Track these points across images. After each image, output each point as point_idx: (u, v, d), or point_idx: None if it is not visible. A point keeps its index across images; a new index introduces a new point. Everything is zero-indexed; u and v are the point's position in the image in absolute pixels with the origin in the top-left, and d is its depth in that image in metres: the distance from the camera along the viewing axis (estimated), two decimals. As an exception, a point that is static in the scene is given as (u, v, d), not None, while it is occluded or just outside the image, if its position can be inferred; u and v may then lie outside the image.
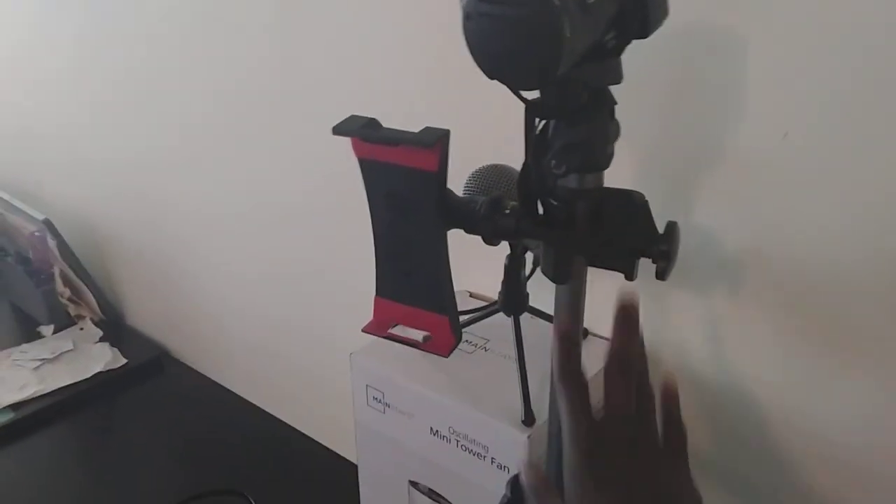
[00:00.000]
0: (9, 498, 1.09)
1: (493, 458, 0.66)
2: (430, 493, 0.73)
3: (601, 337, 0.73)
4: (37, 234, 1.45)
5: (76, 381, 1.33)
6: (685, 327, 0.70)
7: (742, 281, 0.65)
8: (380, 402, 0.74)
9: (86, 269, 1.49)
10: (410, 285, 0.55)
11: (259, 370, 1.26)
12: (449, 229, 0.53)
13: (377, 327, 0.57)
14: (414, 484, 0.75)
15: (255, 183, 1.10)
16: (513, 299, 0.67)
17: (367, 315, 0.84)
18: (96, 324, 1.49)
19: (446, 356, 0.53)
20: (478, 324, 0.74)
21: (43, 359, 1.39)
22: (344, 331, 1.05)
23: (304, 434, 1.20)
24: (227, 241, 1.20)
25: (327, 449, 1.17)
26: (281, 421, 1.24)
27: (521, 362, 0.66)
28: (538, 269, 0.58)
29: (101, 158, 1.40)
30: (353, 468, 1.09)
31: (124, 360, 1.39)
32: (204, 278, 1.30)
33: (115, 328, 1.50)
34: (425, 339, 0.56)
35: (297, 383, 1.19)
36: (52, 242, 1.44)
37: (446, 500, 0.72)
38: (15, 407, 1.25)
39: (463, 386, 0.69)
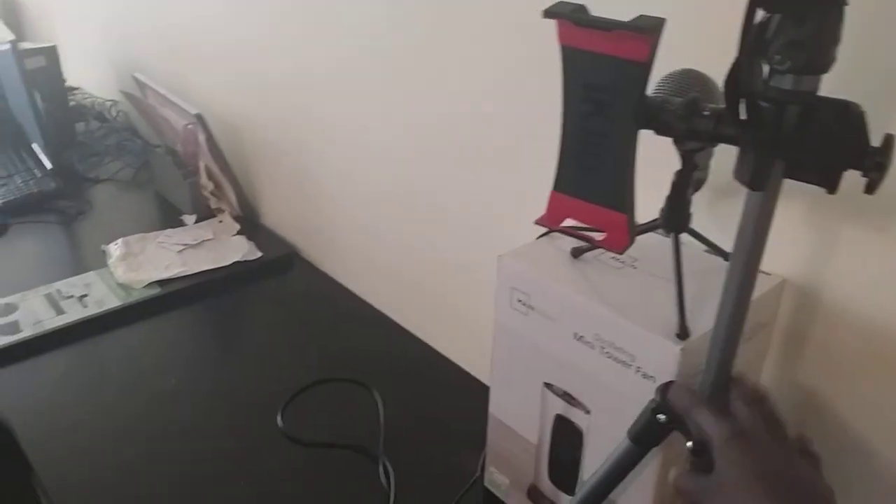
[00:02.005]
0: (151, 362, 1.19)
1: (639, 368, 0.67)
2: (565, 396, 0.76)
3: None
4: (189, 127, 1.53)
5: (215, 266, 1.42)
6: (858, 266, 0.68)
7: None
8: (524, 304, 0.76)
9: (230, 166, 1.57)
10: (592, 181, 0.56)
11: (387, 281, 1.31)
12: (642, 128, 0.53)
13: (551, 220, 0.59)
14: (548, 386, 0.77)
15: (403, 105, 1.12)
16: (677, 215, 0.67)
17: (504, 237, 0.86)
18: (234, 218, 1.58)
19: (620, 253, 0.54)
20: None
21: (186, 244, 1.49)
22: (476, 249, 1.08)
23: (427, 344, 1.24)
24: (368, 162, 1.24)
25: (447, 359, 1.21)
26: (406, 330, 1.28)
27: (678, 275, 0.66)
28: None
29: (260, 71, 1.45)
30: (476, 383, 1.14)
31: (259, 254, 1.47)
32: (338, 191, 1.35)
33: (250, 225, 1.58)
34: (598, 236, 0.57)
35: (428, 298, 1.23)
36: (201, 137, 1.52)
37: (581, 403, 0.74)
38: (160, 284, 1.35)
39: (612, 295, 0.70)
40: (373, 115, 1.20)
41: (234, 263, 1.43)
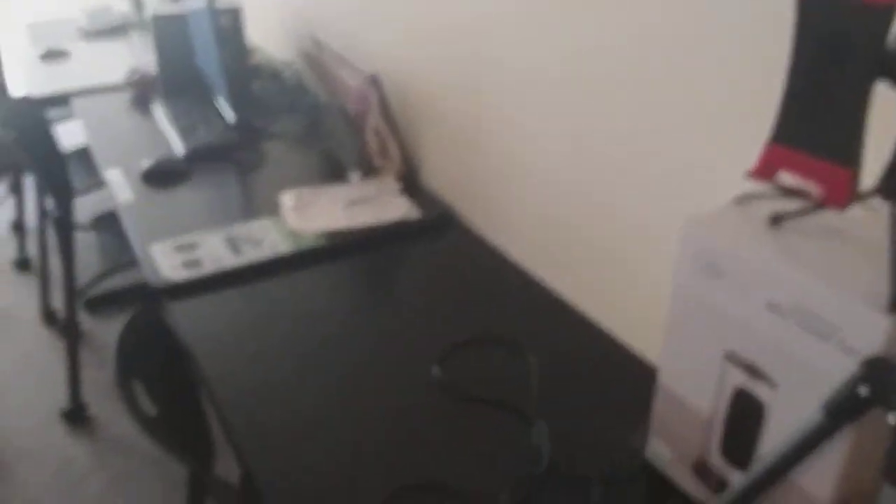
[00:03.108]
0: (318, 306, 1.24)
1: (840, 341, 0.63)
2: (748, 368, 0.72)
3: None
4: (362, 86, 1.58)
5: (378, 223, 1.46)
6: None
7: None
8: (712, 269, 0.73)
9: (397, 126, 1.61)
10: (817, 133, 0.52)
11: (549, 244, 1.30)
12: (882, 77, 0.50)
13: (763, 172, 0.56)
14: (730, 357, 0.74)
15: (575, 51, 1.10)
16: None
17: (682, 197, 0.82)
18: (396, 178, 1.62)
19: (842, 209, 0.50)
20: (831, 214, 0.69)
21: (351, 199, 1.54)
22: (652, 213, 1.05)
23: (583, 314, 1.23)
24: (537, 109, 1.23)
25: (603, 330, 1.19)
26: (562, 299, 1.27)
27: (892, 242, 0.61)
28: None
29: (434, 30, 1.48)
30: (633, 358, 1.12)
31: (419, 213, 1.50)
32: (507, 143, 1.35)
33: (411, 184, 1.61)
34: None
35: (590, 263, 1.21)
36: (373, 97, 1.56)
37: (766, 376, 0.71)
38: (327, 235, 1.41)
39: (815, 264, 0.66)
40: (536, 57, 1.19)
41: (396, 221, 1.47)
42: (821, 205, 0.55)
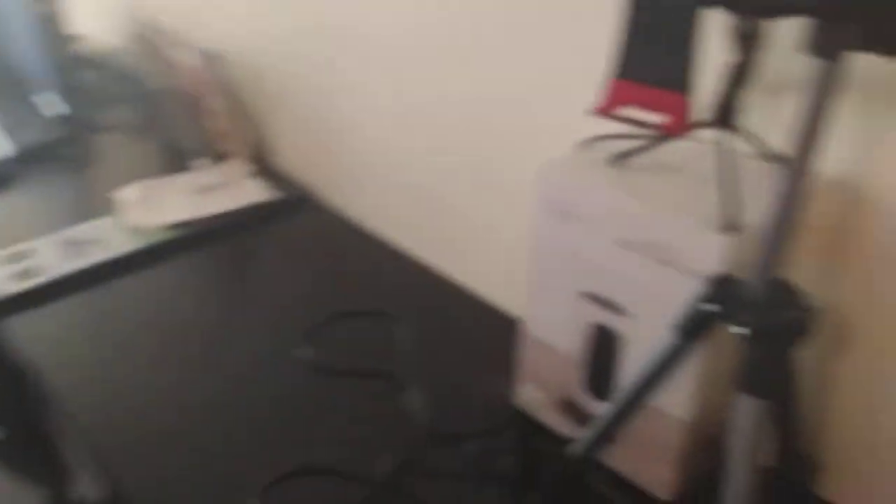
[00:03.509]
0: (171, 303, 1.18)
1: (683, 264, 0.66)
2: (604, 303, 0.75)
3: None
4: (197, 67, 1.50)
5: (229, 209, 1.40)
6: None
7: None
8: (564, 213, 0.75)
9: (244, 107, 1.55)
10: (653, 64, 0.54)
11: (408, 214, 1.30)
12: (708, 5, 0.52)
13: (608, 108, 0.57)
14: (587, 295, 0.76)
15: (417, 19, 1.09)
16: (726, 109, 0.66)
17: (537, 154, 0.84)
18: (246, 161, 1.56)
19: (679, 135, 0.52)
20: (666, 150, 0.73)
21: (199, 187, 1.47)
22: (503, 171, 1.06)
23: (447, 277, 1.24)
24: (388, 77, 1.22)
25: (468, 290, 1.20)
26: (425, 264, 1.27)
27: (724, 170, 0.65)
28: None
29: (274, 7, 1.42)
30: (499, 313, 1.13)
31: (274, 195, 1.45)
32: (360, 117, 1.33)
33: (263, 167, 1.56)
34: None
35: (451, 228, 1.22)
36: (210, 77, 1.49)
37: (621, 309, 0.74)
38: (176, 227, 1.34)
39: (655, 197, 0.69)
40: (393, 43, 1.18)
41: (248, 205, 1.42)
42: (664, 133, 0.57)
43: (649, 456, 0.76)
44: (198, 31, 1.63)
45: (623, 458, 0.79)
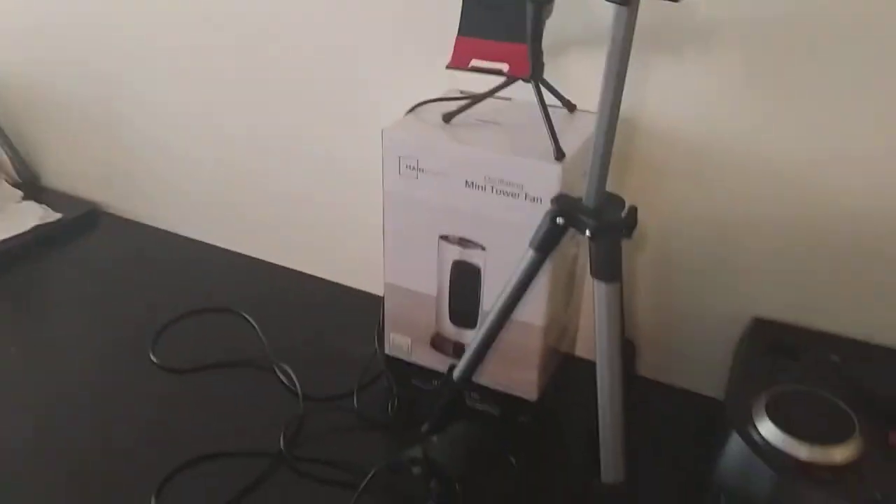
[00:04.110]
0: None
1: (527, 194, 0.80)
2: (461, 242, 0.86)
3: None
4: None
5: (12, 235, 1.30)
6: (670, 93, 0.87)
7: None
8: (413, 168, 0.85)
9: (1, 128, 1.43)
10: (494, 21, 0.66)
11: (214, 212, 1.31)
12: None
13: (458, 62, 0.68)
14: (444, 238, 0.87)
15: (189, 17, 1.12)
16: (536, 63, 0.80)
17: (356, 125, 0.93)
18: (13, 185, 1.44)
19: (527, 78, 0.64)
20: (479, 108, 0.87)
21: (-34, 218, 1.34)
22: (319, 151, 1.13)
23: (278, 265, 1.28)
24: (168, 75, 1.22)
25: (299, 272, 1.26)
26: (250, 256, 1.30)
27: (544, 108, 0.80)
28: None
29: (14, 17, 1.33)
30: (339, 287, 1.20)
31: (58, 215, 1.37)
32: (144, 123, 1.30)
33: (33, 189, 1.46)
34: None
35: (274, 217, 1.25)
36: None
37: (476, 244, 0.86)
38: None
39: (491, 143, 0.82)
40: (163, 42, 1.19)
41: (33, 228, 1.32)
42: (509, 77, 0.69)
43: (516, 365, 0.90)
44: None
45: (493, 374, 0.91)
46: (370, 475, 0.81)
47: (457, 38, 0.67)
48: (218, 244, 1.33)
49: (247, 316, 1.13)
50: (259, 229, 1.28)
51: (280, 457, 0.88)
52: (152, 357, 1.04)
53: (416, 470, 0.71)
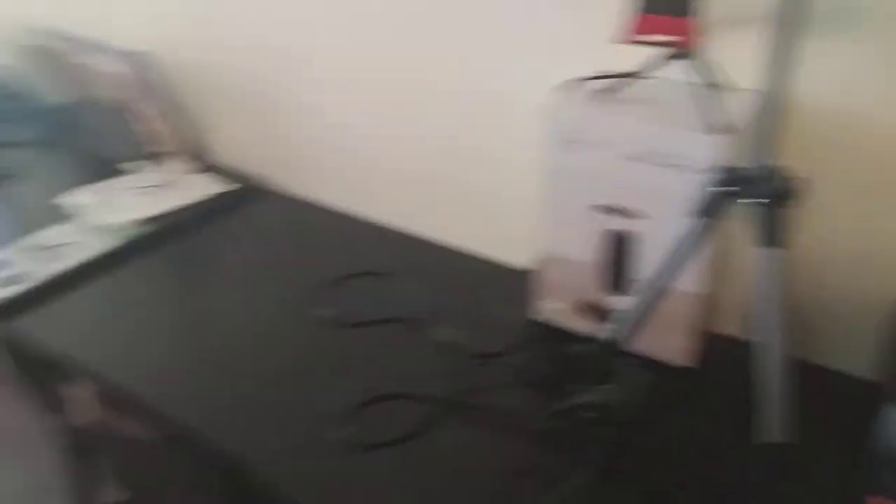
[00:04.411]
0: (168, 292, 1.22)
1: (688, 166, 0.83)
2: (621, 212, 0.91)
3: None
4: (120, 71, 1.51)
5: (187, 203, 1.44)
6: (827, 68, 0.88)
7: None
8: (572, 140, 0.90)
9: (173, 103, 1.57)
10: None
11: (379, 187, 1.40)
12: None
13: (637, 34, 0.73)
14: (601, 207, 0.92)
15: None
16: (699, 35, 0.83)
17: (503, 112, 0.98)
18: (184, 159, 1.59)
19: (690, 52, 0.69)
20: (634, 86, 0.91)
21: (148, 187, 1.49)
22: (470, 131, 1.19)
23: (437, 241, 1.36)
24: (335, 52, 1.31)
25: (464, 252, 1.33)
26: (409, 232, 1.38)
27: (709, 89, 0.83)
28: None
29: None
30: (481, 262, 1.25)
31: (227, 187, 1.50)
32: (314, 103, 1.41)
33: (203, 163, 1.59)
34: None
35: (432, 194, 1.34)
36: (139, 79, 1.51)
37: (638, 213, 0.90)
38: (143, 223, 1.36)
39: (652, 116, 0.86)
40: (331, 22, 1.28)
41: (205, 198, 1.46)
42: (680, 49, 0.74)
43: (670, 331, 0.94)
44: (120, 33, 1.62)
45: (647, 339, 0.96)
46: (546, 417, 0.87)
47: (634, 15, 0.72)
48: (370, 218, 1.42)
49: (404, 281, 1.21)
50: (408, 205, 1.36)
51: (449, 402, 0.96)
52: (320, 312, 1.14)
53: (588, 415, 0.77)
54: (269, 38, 1.40)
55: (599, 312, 1.00)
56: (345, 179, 1.44)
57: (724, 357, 0.99)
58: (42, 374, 1.01)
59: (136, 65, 1.48)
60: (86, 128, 1.67)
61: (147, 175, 1.54)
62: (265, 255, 1.32)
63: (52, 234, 1.33)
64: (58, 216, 1.39)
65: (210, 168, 1.58)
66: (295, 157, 1.50)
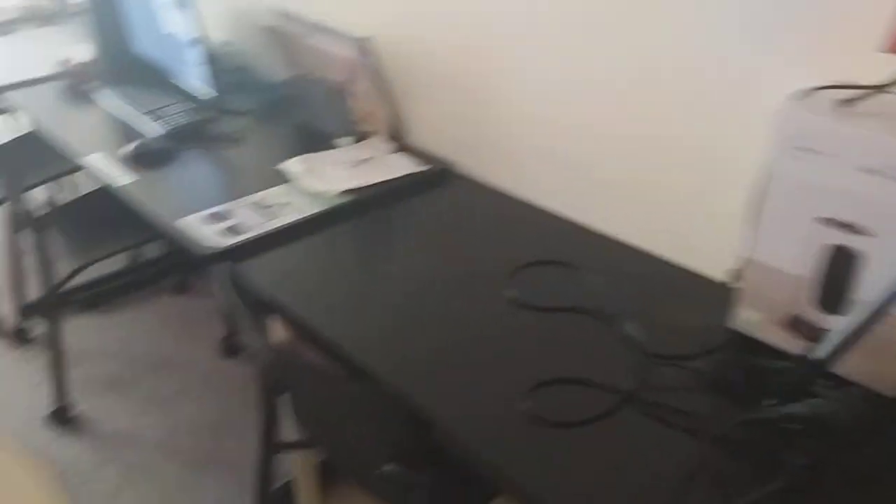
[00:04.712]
0: (369, 255, 1.30)
1: (935, 184, 0.79)
2: (846, 227, 0.87)
3: None
4: (349, 55, 1.62)
5: (388, 178, 1.52)
6: None
7: None
8: (803, 149, 0.87)
9: (383, 87, 1.66)
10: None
11: (569, 184, 1.42)
12: None
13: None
14: (826, 220, 0.88)
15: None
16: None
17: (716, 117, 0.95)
18: (385, 139, 1.68)
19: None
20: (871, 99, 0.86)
21: (353, 161, 1.59)
22: (692, 135, 1.17)
23: (623, 240, 1.36)
24: (547, 48, 1.34)
25: (652, 255, 1.32)
26: (593, 228, 1.40)
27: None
28: None
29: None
30: (682, 271, 1.25)
31: (423, 167, 1.57)
32: (514, 90, 1.45)
33: (401, 144, 1.68)
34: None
35: (628, 196, 1.34)
36: (362, 64, 1.61)
37: (865, 230, 0.86)
38: (346, 193, 1.46)
39: (890, 129, 0.81)
40: (550, 16, 1.30)
41: (402, 176, 1.54)
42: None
43: (884, 358, 0.89)
44: (345, 16, 1.74)
45: (856, 363, 0.91)
46: (734, 425, 0.85)
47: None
48: (557, 210, 1.44)
49: (591, 275, 1.22)
50: (601, 203, 1.37)
51: (629, 395, 0.96)
52: (507, 292, 1.18)
53: (792, 427, 0.75)
54: (479, 31, 1.45)
55: (805, 329, 0.96)
56: (537, 171, 1.47)
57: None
58: (254, 309, 1.11)
59: (359, 49, 1.58)
60: (304, 102, 1.80)
61: (353, 150, 1.64)
62: (453, 232, 1.37)
63: (267, 194, 1.46)
64: (272, 179, 1.52)
65: (406, 148, 1.66)
66: (489, 146, 1.55)
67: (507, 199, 1.51)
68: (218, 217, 1.37)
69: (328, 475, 1.56)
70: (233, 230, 1.32)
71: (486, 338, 1.09)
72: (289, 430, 1.32)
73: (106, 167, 1.57)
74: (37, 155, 2.07)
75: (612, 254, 1.31)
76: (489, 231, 1.38)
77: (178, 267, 2.41)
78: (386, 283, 1.21)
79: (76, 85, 2.04)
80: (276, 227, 1.33)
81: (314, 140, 1.71)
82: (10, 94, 1.99)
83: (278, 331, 1.19)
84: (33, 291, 2.17)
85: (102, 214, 1.95)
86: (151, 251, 2.42)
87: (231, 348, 2.12)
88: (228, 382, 2.05)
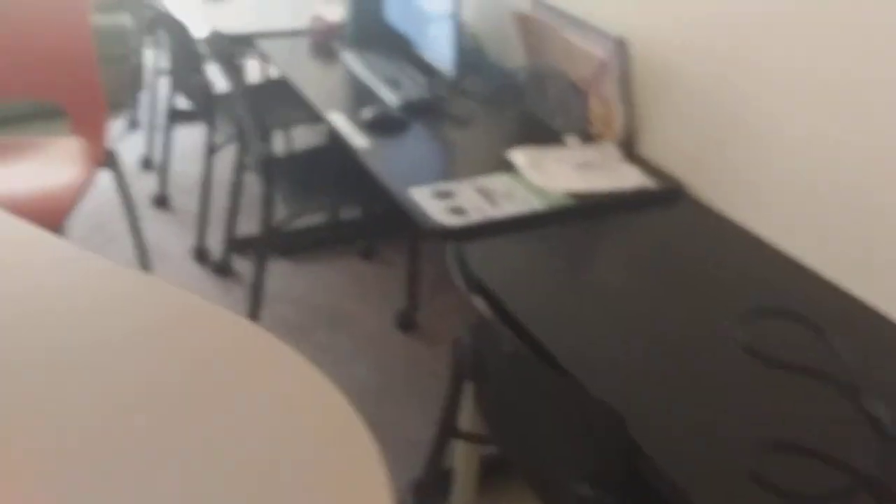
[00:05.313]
0: (586, 262, 1.25)
1: None
2: None
3: None
4: (602, 52, 1.57)
5: (614, 188, 1.46)
6: None
7: None
8: None
9: (627, 91, 1.61)
10: None
11: (819, 227, 1.30)
12: None
13: None
14: None
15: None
16: None
17: None
18: (616, 144, 1.62)
19: None
20: None
21: (578, 162, 1.55)
22: None
23: (863, 299, 1.23)
24: (806, 65, 1.22)
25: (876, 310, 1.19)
26: (832, 281, 1.27)
27: None
28: None
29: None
30: None
31: (655, 182, 1.50)
32: (771, 115, 1.34)
33: (629, 154, 1.61)
34: None
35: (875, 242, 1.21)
36: (614, 63, 1.56)
37: None
38: (572, 195, 1.42)
39: None
40: (822, 39, 1.19)
41: (628, 188, 1.47)
42: None
43: None
44: (601, 13, 1.69)
45: None
46: None
47: None
48: (800, 257, 1.32)
49: (832, 333, 1.11)
50: (861, 261, 1.23)
51: (867, 480, 0.86)
52: (735, 333, 1.09)
53: None
54: (751, 41, 1.36)
55: None
56: (786, 209, 1.35)
57: None
58: (472, 291, 1.10)
59: (613, 48, 1.53)
60: (538, 93, 1.78)
61: (580, 151, 1.60)
62: (679, 258, 1.30)
63: (490, 180, 1.45)
64: (495, 165, 1.51)
65: (636, 159, 1.60)
66: (731, 171, 1.45)
67: (743, 234, 1.40)
68: (443, 194, 1.37)
69: (488, 469, 1.54)
70: (457, 210, 1.32)
71: (711, 377, 1.01)
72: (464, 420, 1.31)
73: (345, 127, 1.63)
74: (279, 102, 2.21)
75: (862, 320, 1.18)
76: (719, 265, 1.29)
77: (372, 232, 2.49)
78: (604, 297, 1.16)
79: (323, 42, 2.14)
80: (499, 216, 1.32)
81: (541, 133, 1.69)
82: (263, 43, 2.13)
83: (485, 317, 1.18)
84: (243, 228, 2.31)
85: (324, 169, 2.04)
86: (348, 213, 2.52)
87: (407, 322, 2.16)
88: (399, 354, 2.09)
